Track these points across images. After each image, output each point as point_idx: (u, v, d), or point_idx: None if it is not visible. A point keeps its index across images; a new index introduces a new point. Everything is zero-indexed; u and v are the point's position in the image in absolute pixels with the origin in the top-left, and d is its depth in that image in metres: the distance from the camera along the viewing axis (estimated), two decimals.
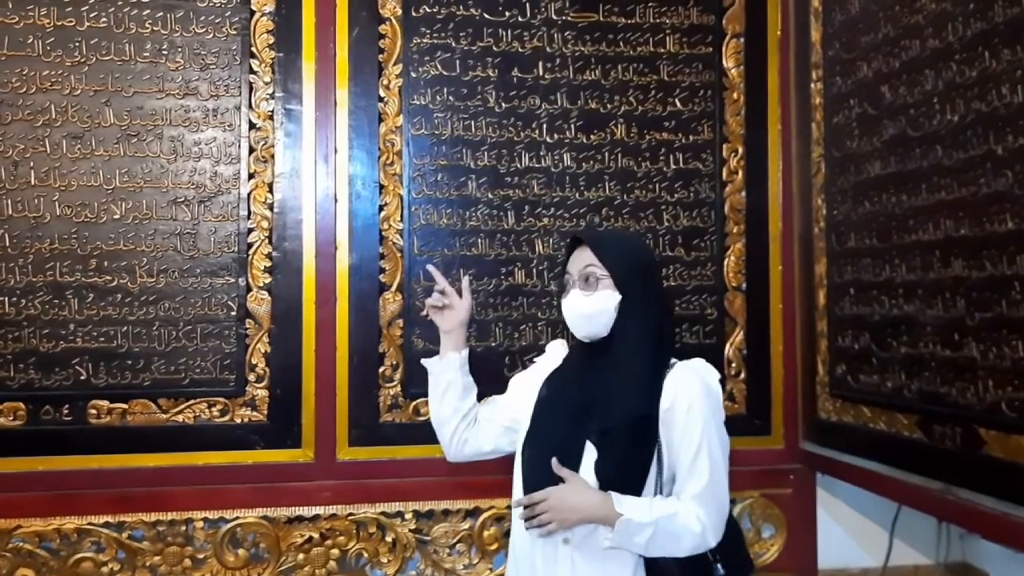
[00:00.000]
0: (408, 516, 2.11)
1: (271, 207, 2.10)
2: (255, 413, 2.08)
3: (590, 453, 1.48)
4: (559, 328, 2.13)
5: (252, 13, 2.11)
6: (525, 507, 1.47)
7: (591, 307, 1.52)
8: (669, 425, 1.48)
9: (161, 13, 2.07)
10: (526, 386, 1.68)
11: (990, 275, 1.56)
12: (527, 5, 2.22)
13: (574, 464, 1.48)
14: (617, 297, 1.52)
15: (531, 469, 1.54)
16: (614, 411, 1.48)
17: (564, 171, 2.21)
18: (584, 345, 1.58)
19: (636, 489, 1.46)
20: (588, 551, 1.47)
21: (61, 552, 1.99)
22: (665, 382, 1.50)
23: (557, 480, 1.46)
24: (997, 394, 1.54)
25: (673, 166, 2.26)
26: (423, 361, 1.75)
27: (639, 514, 1.41)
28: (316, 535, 2.09)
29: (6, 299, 1.99)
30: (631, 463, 1.47)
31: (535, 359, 1.77)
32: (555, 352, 1.73)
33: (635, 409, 1.47)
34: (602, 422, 1.48)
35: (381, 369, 2.13)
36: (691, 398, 1.48)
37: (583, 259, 1.54)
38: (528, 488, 1.52)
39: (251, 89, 2.11)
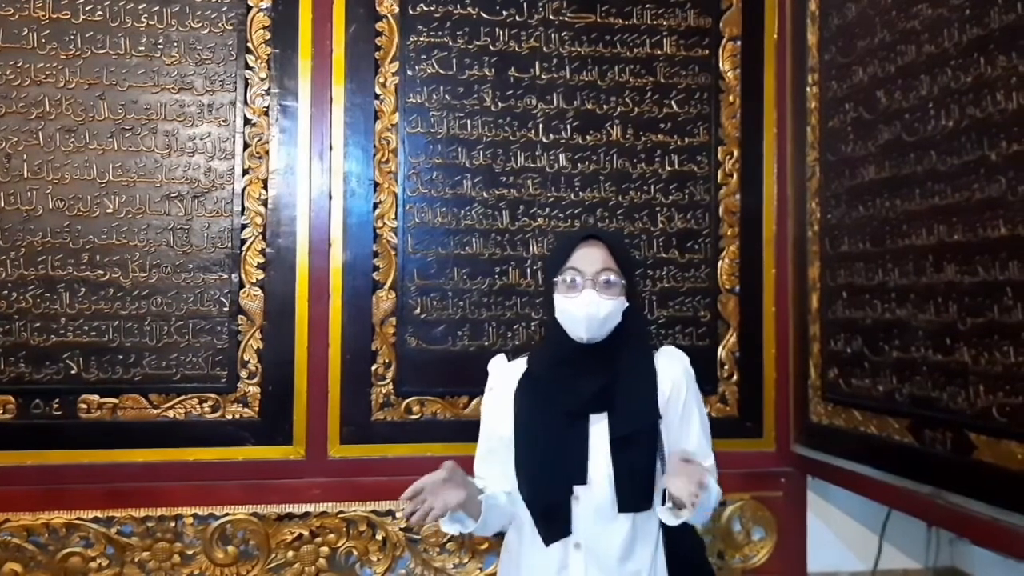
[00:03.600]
0: (399, 515, 2.10)
1: (265, 203, 2.10)
2: (246, 409, 2.07)
3: (598, 456, 1.48)
4: None
5: (248, 8, 2.11)
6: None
7: (608, 310, 1.47)
8: (668, 413, 1.54)
9: (157, 7, 2.06)
10: (499, 412, 1.61)
11: (982, 280, 1.56)
12: (524, 5, 2.21)
13: (580, 468, 1.48)
14: (626, 301, 1.52)
15: (538, 480, 1.50)
16: (633, 417, 1.49)
17: (559, 171, 2.21)
18: (578, 348, 1.51)
19: (649, 487, 1.50)
20: (600, 554, 1.47)
21: (49, 547, 1.98)
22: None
23: (571, 482, 1.46)
24: (988, 399, 1.55)
25: (668, 168, 2.26)
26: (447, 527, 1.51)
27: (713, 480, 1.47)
28: (306, 533, 2.08)
29: None
30: (648, 464, 1.51)
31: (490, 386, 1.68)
32: (504, 370, 1.65)
33: (653, 414, 1.51)
34: (620, 428, 1.48)
35: (373, 367, 2.12)
36: (682, 384, 1.57)
37: (599, 259, 1.49)
38: (543, 497, 1.49)
39: (247, 85, 2.10)
